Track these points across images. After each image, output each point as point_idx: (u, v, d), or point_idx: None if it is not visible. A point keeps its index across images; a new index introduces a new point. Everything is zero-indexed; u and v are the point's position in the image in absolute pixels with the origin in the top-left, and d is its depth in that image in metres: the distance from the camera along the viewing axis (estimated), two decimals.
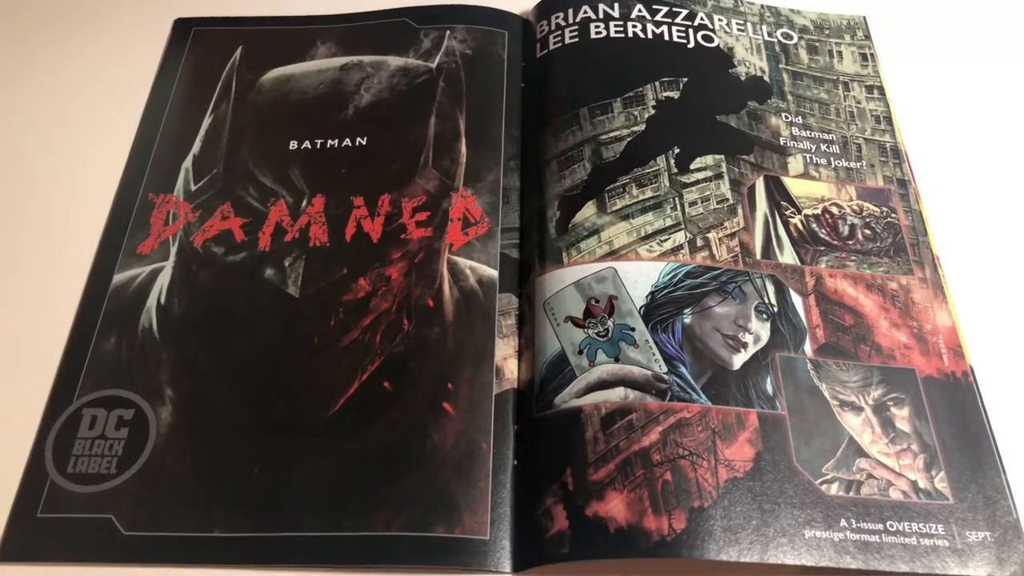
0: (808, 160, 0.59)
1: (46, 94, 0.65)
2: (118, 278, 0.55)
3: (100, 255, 0.56)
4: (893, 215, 0.57)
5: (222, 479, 0.47)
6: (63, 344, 0.53)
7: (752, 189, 0.57)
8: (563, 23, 0.65)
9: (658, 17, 0.66)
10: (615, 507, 0.44)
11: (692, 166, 0.58)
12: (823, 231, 0.56)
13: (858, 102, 0.63)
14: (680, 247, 0.54)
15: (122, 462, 0.48)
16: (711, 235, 0.55)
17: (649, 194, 0.56)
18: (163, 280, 0.55)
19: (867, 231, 0.56)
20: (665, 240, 0.54)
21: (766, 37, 0.66)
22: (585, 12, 0.66)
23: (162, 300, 0.54)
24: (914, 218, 0.57)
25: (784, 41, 0.66)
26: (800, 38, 0.66)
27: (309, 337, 0.52)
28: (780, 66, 0.64)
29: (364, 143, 0.60)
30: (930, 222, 0.57)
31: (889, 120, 0.62)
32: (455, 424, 0.48)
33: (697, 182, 0.57)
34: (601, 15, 0.65)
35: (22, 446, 0.49)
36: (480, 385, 0.50)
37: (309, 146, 0.60)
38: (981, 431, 0.49)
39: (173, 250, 0.56)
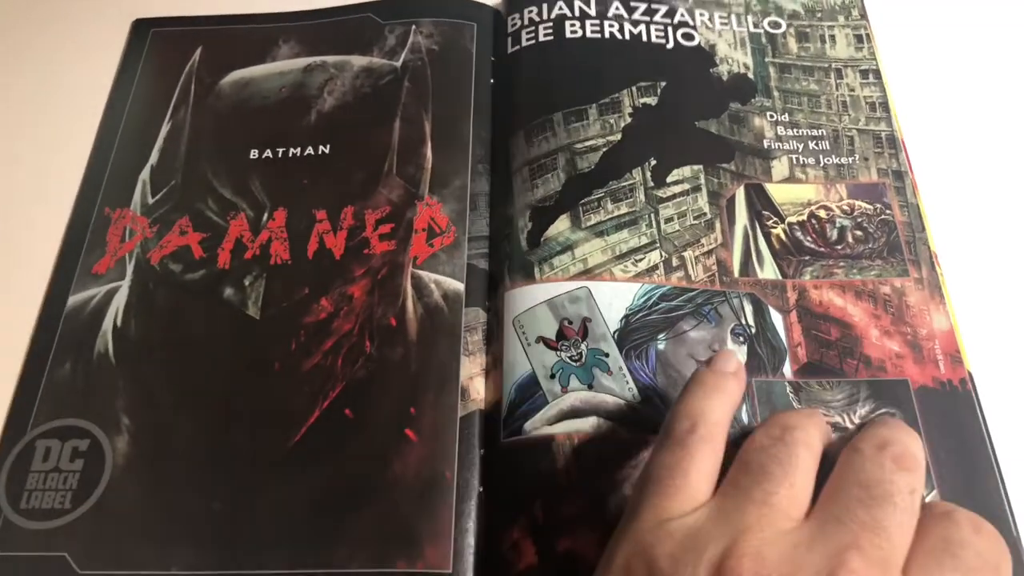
0: (794, 161, 0.56)
1: (1, 103, 0.63)
2: (73, 300, 0.53)
3: (55, 276, 0.54)
4: (888, 211, 0.53)
5: (181, 514, 0.45)
6: (17, 372, 0.51)
7: (731, 201, 0.54)
8: (537, 18, 0.62)
9: (636, 15, 0.62)
10: (587, 543, 0.42)
11: (669, 179, 0.55)
12: (808, 238, 0.53)
13: (851, 89, 0.59)
14: (655, 267, 0.51)
15: (77, 496, 0.46)
16: (687, 254, 0.52)
17: (624, 210, 0.53)
18: (119, 301, 0.52)
19: (858, 232, 0.53)
20: (640, 259, 0.51)
21: (751, 29, 0.62)
22: (560, 8, 0.62)
23: (118, 323, 0.52)
24: (911, 213, 0.54)
25: (771, 31, 0.62)
26: (789, 25, 0.62)
27: (270, 362, 0.49)
28: (766, 60, 0.61)
29: (327, 151, 0.57)
30: (928, 217, 0.54)
31: (885, 107, 0.58)
32: (417, 451, 0.46)
33: (674, 196, 0.54)
34: (577, 13, 0.62)
35: None
36: (444, 408, 0.47)
37: (271, 155, 0.57)
38: (979, 442, 0.45)
39: (130, 268, 0.54)
